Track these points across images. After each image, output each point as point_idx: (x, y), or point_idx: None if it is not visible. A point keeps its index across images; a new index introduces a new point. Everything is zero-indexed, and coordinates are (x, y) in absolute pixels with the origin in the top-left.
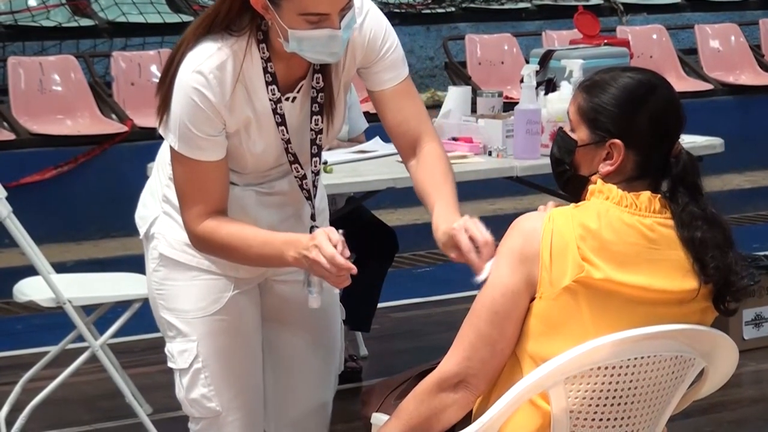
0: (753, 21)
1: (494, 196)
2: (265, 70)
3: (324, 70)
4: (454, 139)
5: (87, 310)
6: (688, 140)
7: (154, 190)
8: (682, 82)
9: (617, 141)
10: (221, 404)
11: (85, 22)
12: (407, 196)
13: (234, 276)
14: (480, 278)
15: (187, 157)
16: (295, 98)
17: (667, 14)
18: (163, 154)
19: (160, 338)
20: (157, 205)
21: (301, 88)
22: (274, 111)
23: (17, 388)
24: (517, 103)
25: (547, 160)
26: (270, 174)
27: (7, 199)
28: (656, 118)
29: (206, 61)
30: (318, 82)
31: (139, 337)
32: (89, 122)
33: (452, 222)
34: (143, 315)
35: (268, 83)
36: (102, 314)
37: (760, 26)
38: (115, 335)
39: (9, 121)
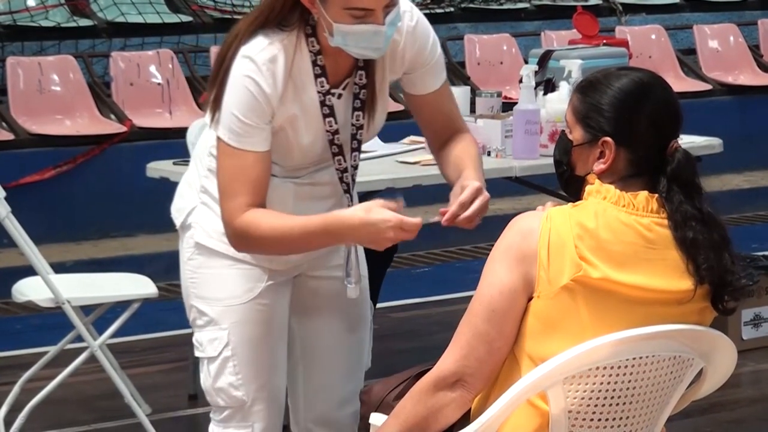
0: (752, 21)
1: (493, 196)
2: (315, 63)
3: (368, 67)
4: None
5: (86, 310)
6: (686, 140)
7: (191, 182)
8: (680, 83)
9: (608, 139)
10: (247, 394)
11: (84, 22)
12: (406, 196)
13: (268, 267)
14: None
15: (234, 147)
16: (341, 95)
17: (665, 14)
18: (202, 147)
19: (159, 338)
20: (194, 196)
21: (346, 85)
22: (322, 103)
23: (16, 388)
24: (516, 103)
25: (546, 161)
26: (311, 167)
27: (6, 199)
28: (650, 117)
29: (259, 53)
30: (361, 79)
31: (138, 338)
32: (88, 122)
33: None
34: (142, 315)
35: (317, 76)
36: (101, 314)
37: (759, 26)
38: (114, 335)
39: (8, 121)
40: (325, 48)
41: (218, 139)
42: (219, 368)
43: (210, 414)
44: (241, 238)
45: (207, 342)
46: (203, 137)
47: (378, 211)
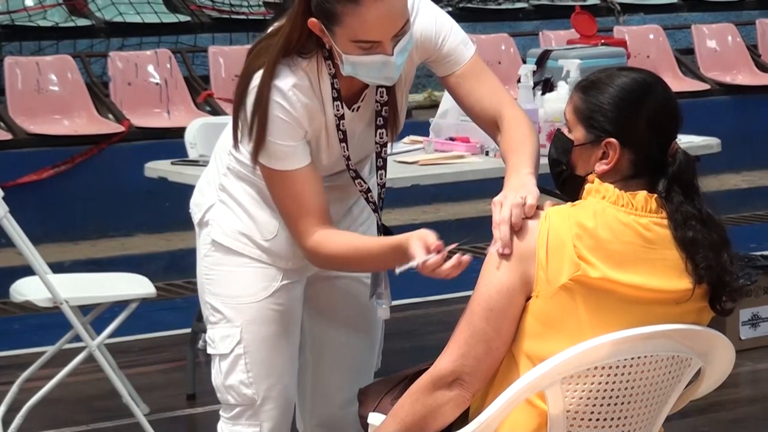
0: (750, 21)
1: (491, 195)
2: (332, 86)
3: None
4: (452, 139)
5: (84, 310)
6: (685, 140)
7: (210, 179)
8: (679, 82)
9: (613, 140)
10: (258, 392)
11: (82, 22)
12: (404, 195)
13: (284, 267)
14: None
15: (278, 170)
16: (359, 107)
17: (664, 14)
18: (221, 145)
19: (157, 338)
20: (213, 193)
21: (364, 97)
22: (338, 127)
23: (14, 388)
24: None
25: (545, 161)
26: (330, 173)
27: (4, 198)
28: (652, 117)
29: (283, 80)
30: (382, 96)
31: (136, 337)
32: (86, 122)
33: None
34: (140, 315)
35: (334, 98)
36: (99, 314)
37: (757, 26)
38: (112, 335)
39: (6, 121)
40: (339, 71)
41: (262, 167)
42: (230, 365)
43: (219, 411)
44: (314, 257)
45: (219, 339)
46: (222, 136)
47: (411, 247)
